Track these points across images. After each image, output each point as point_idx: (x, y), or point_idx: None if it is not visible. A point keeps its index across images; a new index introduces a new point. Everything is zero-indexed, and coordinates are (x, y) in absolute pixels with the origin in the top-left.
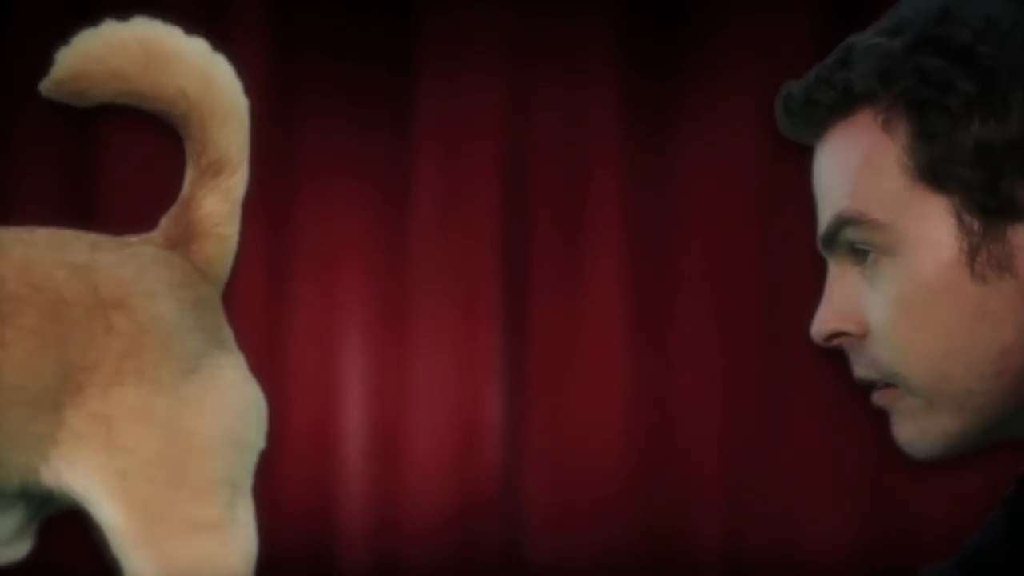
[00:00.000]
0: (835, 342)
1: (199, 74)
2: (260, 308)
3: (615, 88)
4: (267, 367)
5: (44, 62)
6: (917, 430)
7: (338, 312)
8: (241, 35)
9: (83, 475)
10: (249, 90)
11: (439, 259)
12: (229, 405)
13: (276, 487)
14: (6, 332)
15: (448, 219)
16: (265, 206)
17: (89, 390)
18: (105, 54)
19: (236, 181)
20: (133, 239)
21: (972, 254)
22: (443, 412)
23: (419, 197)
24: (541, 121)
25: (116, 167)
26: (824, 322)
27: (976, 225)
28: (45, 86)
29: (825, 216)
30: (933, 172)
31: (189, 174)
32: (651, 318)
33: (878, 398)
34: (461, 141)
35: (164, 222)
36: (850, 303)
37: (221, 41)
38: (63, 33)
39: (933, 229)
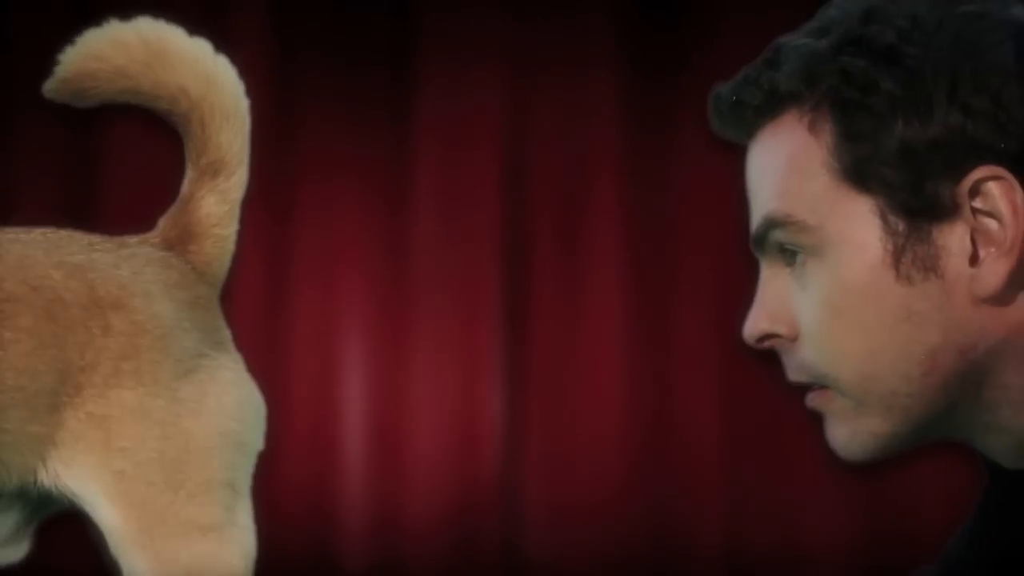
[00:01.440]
0: (767, 344)
1: (201, 74)
2: (260, 308)
3: (615, 89)
4: (267, 368)
5: (45, 62)
6: (848, 433)
7: (338, 313)
8: (241, 35)
9: (81, 476)
10: (249, 90)
11: (439, 259)
12: (227, 406)
13: (276, 487)
14: (3, 333)
15: (448, 219)
16: (265, 206)
17: (87, 391)
18: (108, 52)
19: (235, 182)
20: (131, 239)
21: (897, 255)
22: (443, 412)
23: (419, 198)
24: (541, 122)
25: (115, 167)
26: (755, 323)
27: (901, 226)
28: (49, 87)
29: (755, 218)
30: (858, 173)
31: (188, 174)
32: (651, 319)
33: (811, 400)
34: (461, 142)
35: (162, 222)
36: (781, 304)
37: (221, 41)
38: (64, 33)
39: (858, 230)
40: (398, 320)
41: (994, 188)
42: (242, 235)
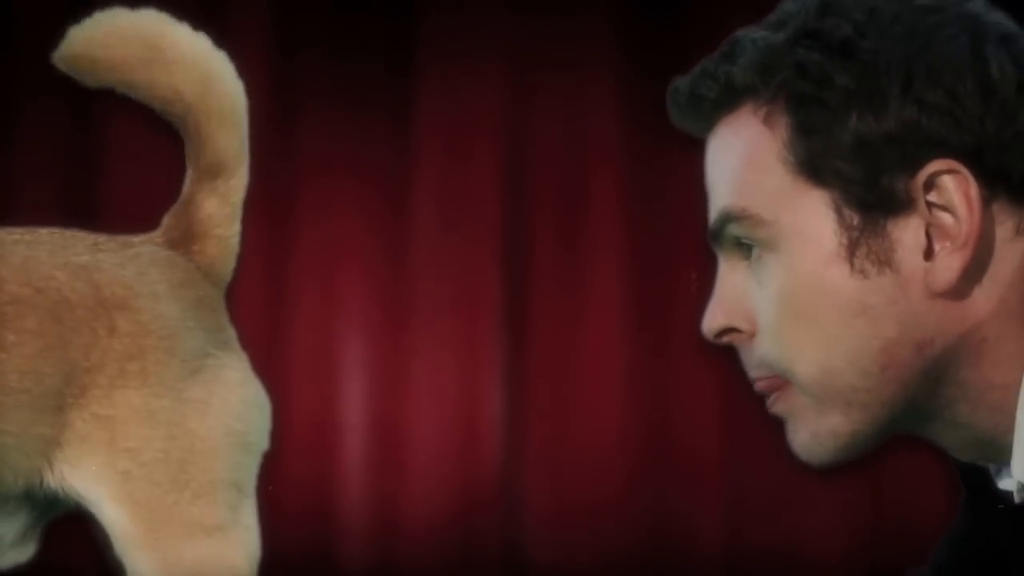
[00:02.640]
0: (725, 339)
1: (198, 76)
2: (260, 308)
3: (615, 88)
4: (268, 367)
5: (45, 62)
6: (809, 434)
7: (338, 312)
8: (241, 34)
9: (87, 477)
10: (249, 90)
11: (439, 259)
12: (233, 406)
13: (276, 487)
14: (8, 335)
15: (448, 219)
16: (265, 206)
17: (92, 392)
18: (109, 42)
19: (235, 184)
20: (135, 239)
21: (851, 249)
22: (443, 412)
23: (419, 197)
24: (541, 121)
25: (118, 166)
26: (712, 318)
27: (856, 220)
28: (57, 58)
29: (712, 212)
30: (813, 167)
31: (189, 175)
32: (651, 318)
33: (772, 404)
34: (461, 141)
35: (166, 221)
36: (738, 299)
37: (221, 40)
38: (63, 33)
39: (813, 224)
40: (398, 319)
41: (949, 182)
42: (242, 235)
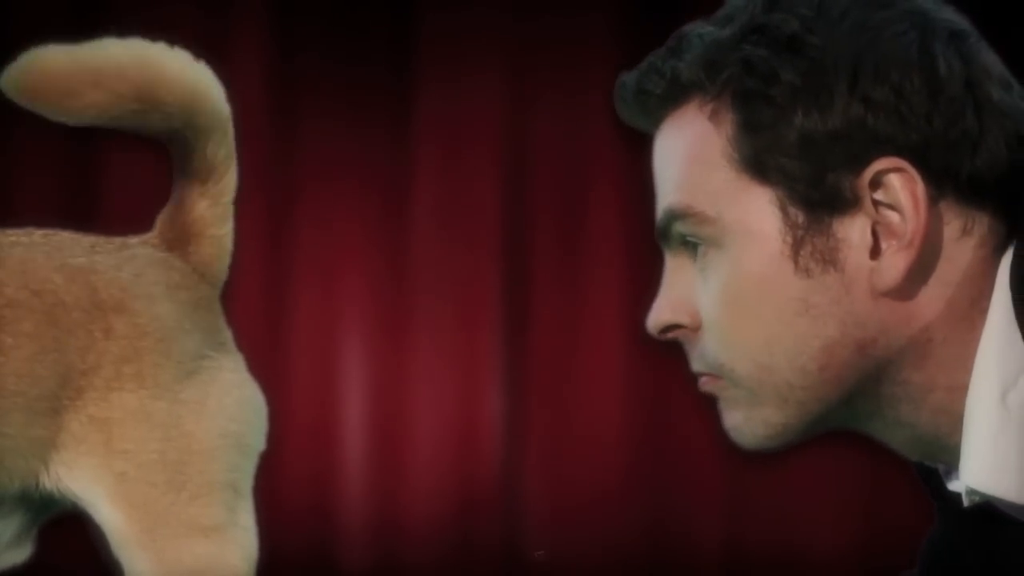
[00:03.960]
0: (670, 335)
1: (187, 100)
2: (259, 309)
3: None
4: (267, 368)
5: None
6: (741, 418)
7: (338, 313)
8: (241, 35)
9: (83, 478)
10: (249, 90)
11: (439, 259)
12: (229, 407)
13: (276, 487)
14: (5, 338)
15: (448, 219)
16: (265, 206)
17: (89, 394)
18: (89, 86)
19: (225, 185)
20: (132, 240)
21: (796, 247)
22: (443, 413)
23: (419, 198)
24: (541, 121)
25: (115, 166)
26: (658, 314)
27: (801, 218)
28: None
29: (658, 209)
30: (758, 164)
31: (177, 179)
32: None
33: (704, 384)
34: (461, 141)
35: (160, 222)
36: (684, 296)
37: (221, 41)
38: (63, 34)
39: (758, 222)
40: (398, 320)
41: (895, 180)
42: (242, 235)
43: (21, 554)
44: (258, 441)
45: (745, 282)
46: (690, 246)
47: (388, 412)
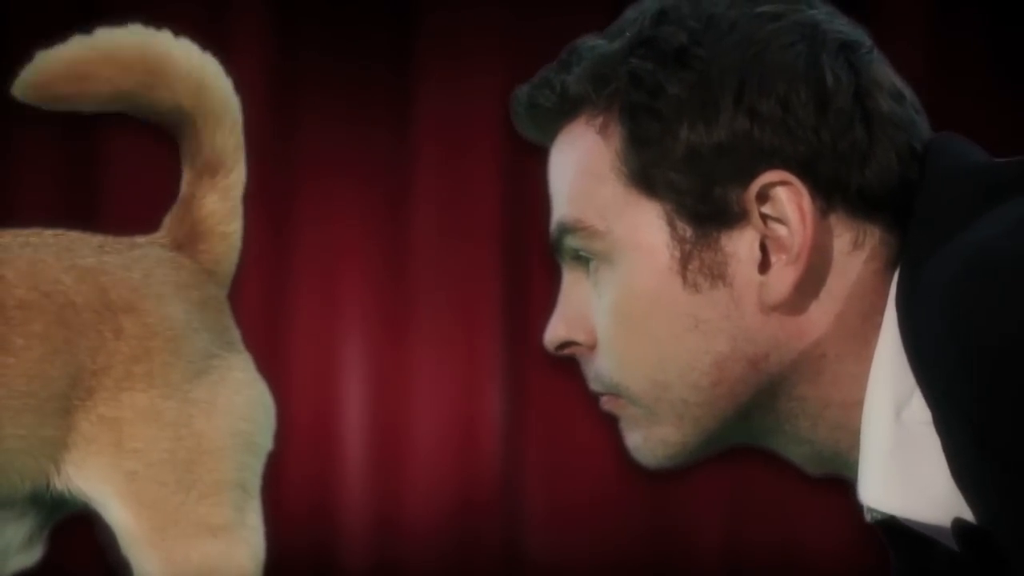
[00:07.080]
0: (566, 351)
1: (194, 86)
2: (260, 309)
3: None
4: (268, 368)
5: None
6: (640, 438)
7: (338, 312)
8: (241, 35)
9: (93, 478)
10: (249, 90)
11: (440, 259)
12: (238, 407)
13: (277, 487)
14: (16, 339)
15: (448, 219)
16: (265, 206)
17: (99, 394)
18: (101, 66)
19: (234, 179)
20: (140, 240)
21: (684, 262)
22: (443, 412)
23: (419, 197)
24: None
25: (118, 165)
26: (553, 331)
27: (689, 232)
28: (22, 89)
29: (552, 223)
30: (645, 178)
31: (186, 174)
32: None
33: (605, 403)
34: (461, 141)
35: (168, 222)
36: (580, 312)
37: (221, 41)
38: (63, 33)
39: (647, 236)
40: (398, 320)
41: (782, 193)
42: (243, 234)
43: (32, 556)
44: (267, 440)
45: (635, 298)
46: (583, 261)
47: (388, 412)
